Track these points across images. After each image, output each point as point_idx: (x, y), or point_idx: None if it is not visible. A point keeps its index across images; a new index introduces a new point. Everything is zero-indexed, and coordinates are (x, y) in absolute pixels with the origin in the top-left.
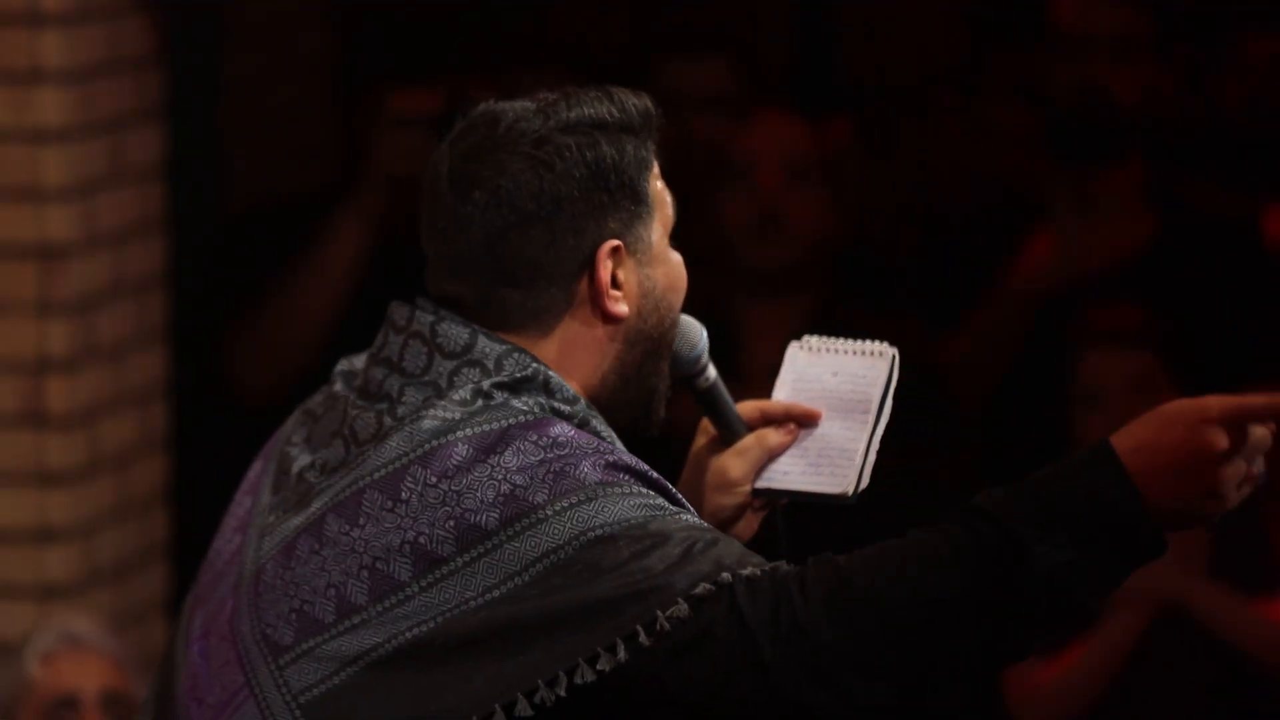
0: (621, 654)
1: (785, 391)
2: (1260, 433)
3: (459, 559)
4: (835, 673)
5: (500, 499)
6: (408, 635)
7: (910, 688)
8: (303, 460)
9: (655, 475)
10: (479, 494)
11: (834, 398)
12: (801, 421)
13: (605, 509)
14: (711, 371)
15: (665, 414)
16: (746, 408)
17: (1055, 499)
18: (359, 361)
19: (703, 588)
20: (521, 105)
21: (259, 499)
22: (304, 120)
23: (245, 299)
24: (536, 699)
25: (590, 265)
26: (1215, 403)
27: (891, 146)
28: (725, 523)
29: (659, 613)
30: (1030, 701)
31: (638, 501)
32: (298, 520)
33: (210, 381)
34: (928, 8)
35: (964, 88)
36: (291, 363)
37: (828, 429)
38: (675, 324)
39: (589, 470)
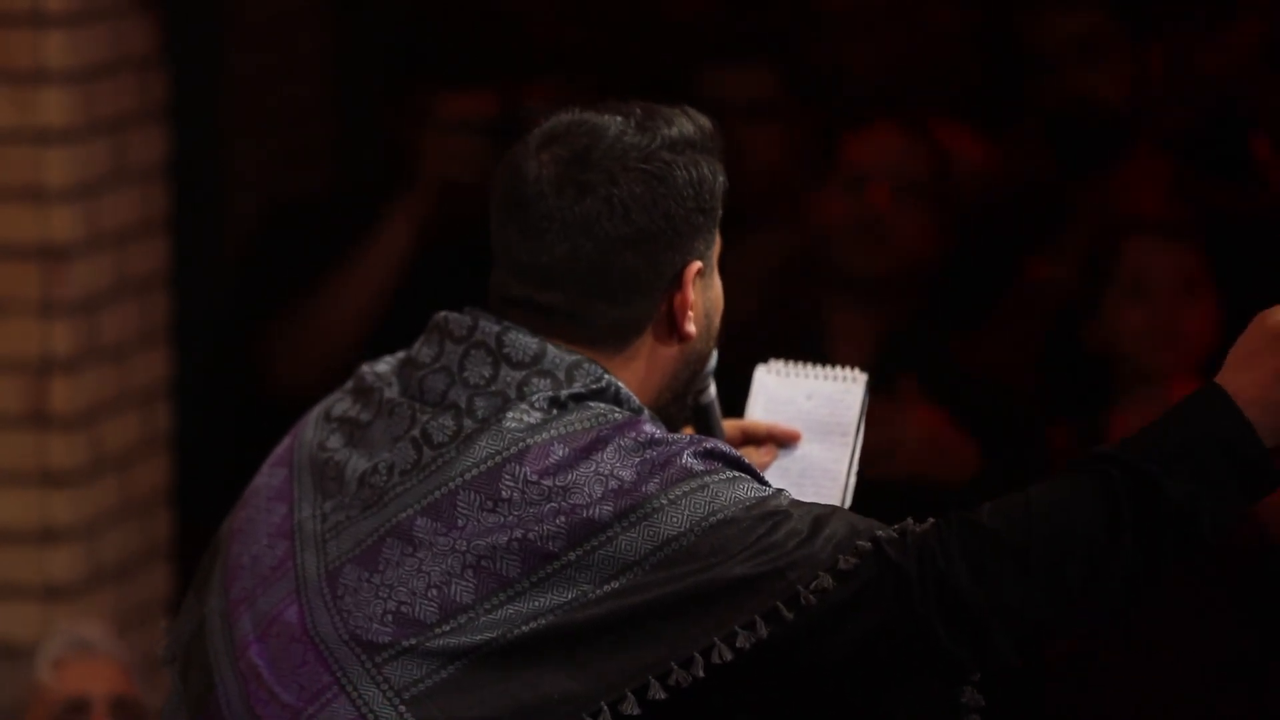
0: (762, 630)
1: (758, 414)
2: None
3: (571, 554)
4: (981, 623)
5: (610, 493)
6: (523, 629)
7: (1049, 629)
8: (359, 464)
9: (747, 461)
10: (587, 490)
11: (811, 420)
12: (781, 442)
13: (719, 494)
14: (712, 389)
15: None
16: (728, 426)
17: (1174, 440)
18: (384, 367)
19: (844, 560)
20: (617, 119)
21: (298, 505)
22: (307, 120)
23: (279, 296)
24: (671, 681)
25: (677, 284)
26: None
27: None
28: None
29: (800, 588)
30: None
31: (746, 484)
32: (373, 523)
33: (234, 378)
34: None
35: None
36: (329, 361)
37: (807, 450)
38: (715, 339)
39: (691, 460)
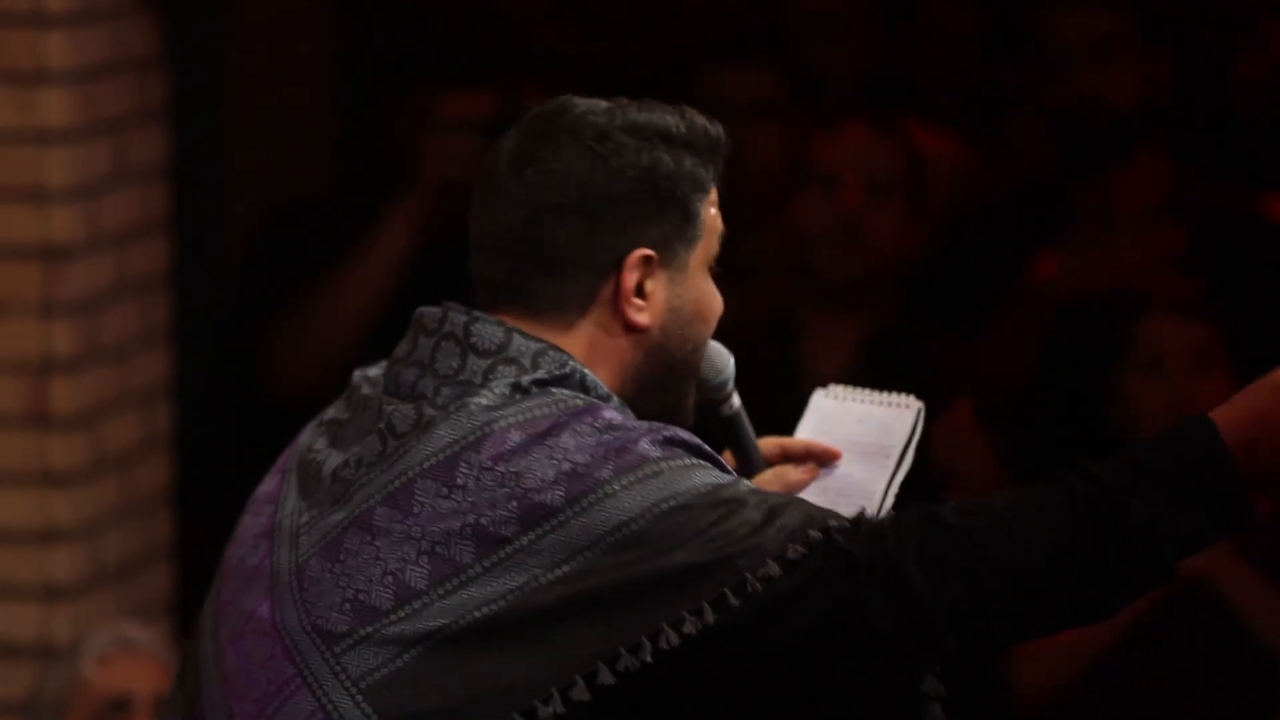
0: (709, 617)
1: (807, 434)
2: None
3: (523, 538)
4: (927, 617)
5: (563, 476)
6: (476, 615)
7: (996, 637)
8: (334, 460)
9: (708, 449)
10: (540, 474)
11: (856, 442)
12: (822, 460)
13: (674, 481)
14: (736, 401)
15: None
16: (768, 444)
17: (1148, 462)
18: (375, 371)
19: (793, 549)
20: (594, 101)
21: (281, 507)
22: (307, 120)
23: (279, 296)
24: (620, 666)
25: (620, 268)
26: None
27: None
28: None
29: (748, 575)
30: (1035, 657)
31: (704, 472)
32: (339, 516)
33: (234, 378)
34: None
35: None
36: (329, 362)
37: (848, 470)
38: (700, 351)
39: (648, 446)
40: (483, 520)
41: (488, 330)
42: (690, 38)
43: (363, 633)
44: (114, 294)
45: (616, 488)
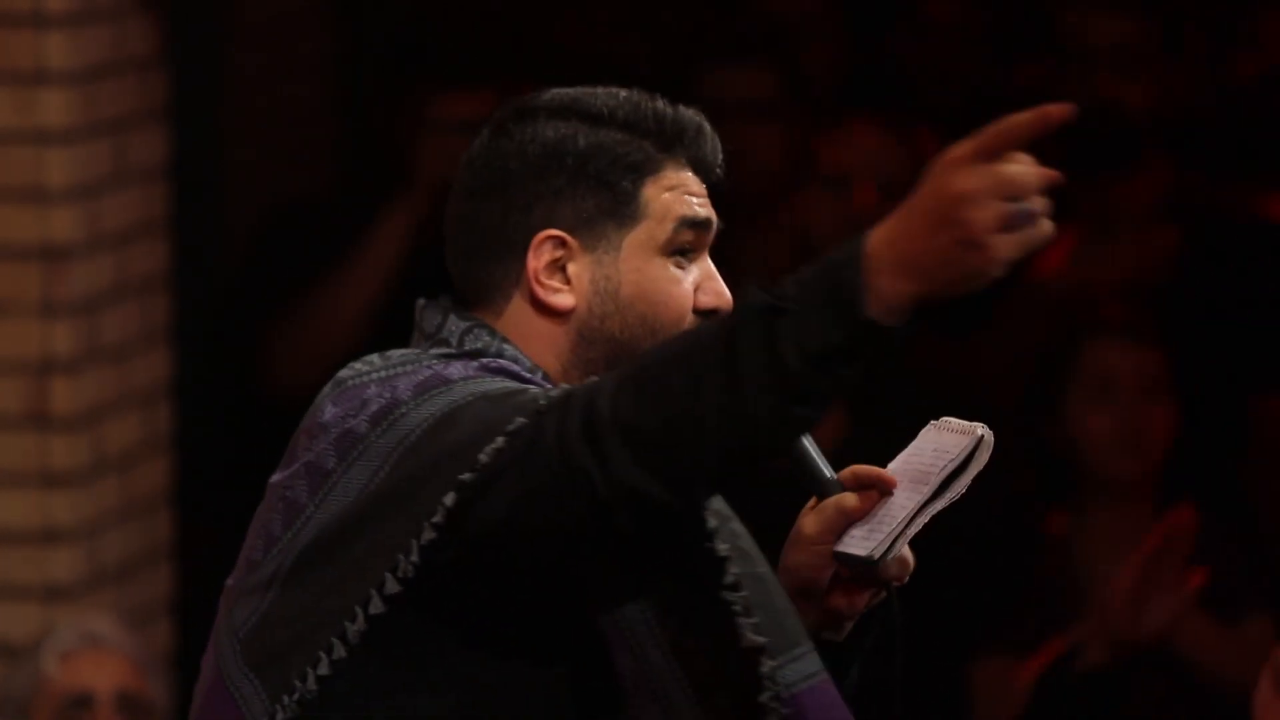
0: (450, 500)
1: (895, 463)
2: (1014, 167)
3: (340, 467)
4: (597, 431)
5: (377, 406)
6: (300, 549)
7: (669, 447)
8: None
9: (532, 379)
10: (360, 409)
11: (915, 470)
12: (881, 488)
13: (458, 390)
14: None
15: None
16: (845, 471)
17: (804, 270)
18: (360, 365)
19: (517, 421)
20: (560, 89)
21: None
22: (307, 120)
23: (279, 296)
24: (400, 573)
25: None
26: (961, 144)
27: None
28: (805, 585)
29: (481, 455)
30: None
31: (494, 381)
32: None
33: (234, 378)
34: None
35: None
36: (329, 361)
37: (896, 496)
38: (655, 333)
39: (458, 370)
40: (312, 458)
41: (430, 314)
42: (690, 38)
43: (244, 586)
44: (114, 294)
45: (410, 406)
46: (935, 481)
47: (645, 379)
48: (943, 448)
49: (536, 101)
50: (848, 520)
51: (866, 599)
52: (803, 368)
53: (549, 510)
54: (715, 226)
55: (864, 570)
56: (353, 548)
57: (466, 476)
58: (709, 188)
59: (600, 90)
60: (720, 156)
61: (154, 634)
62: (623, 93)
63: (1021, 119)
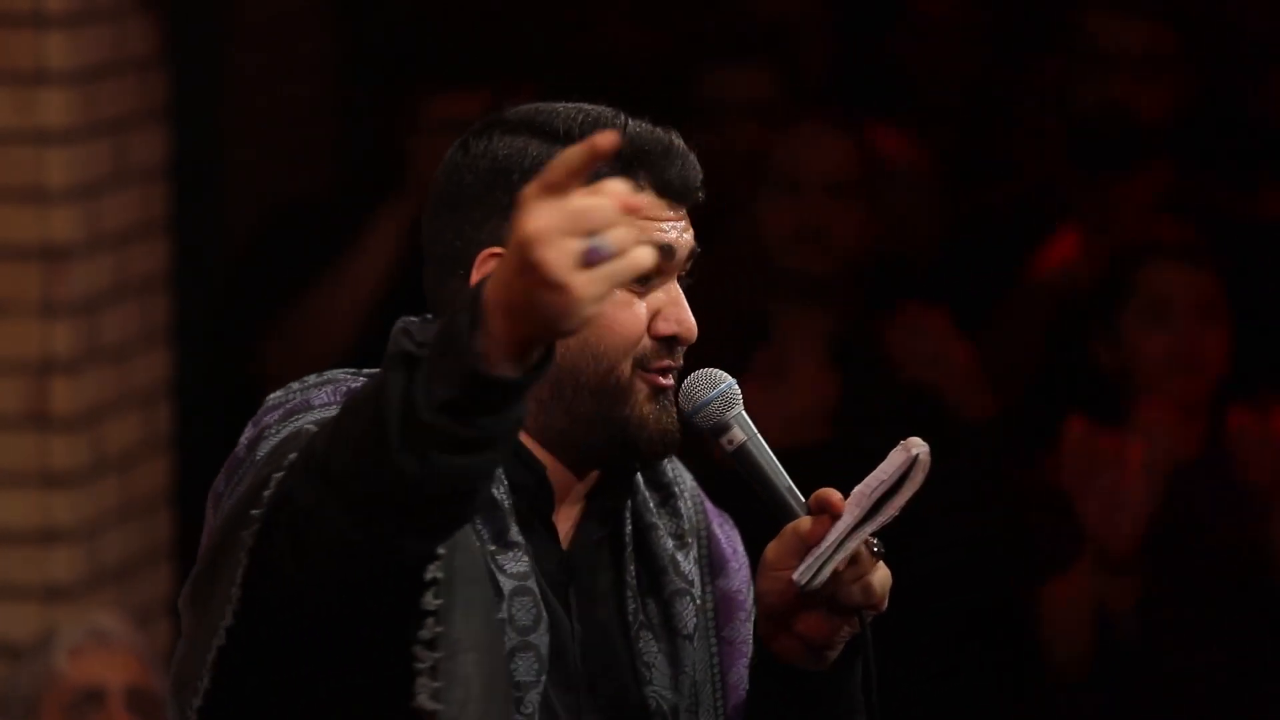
0: (250, 541)
1: (859, 485)
2: (584, 201)
3: (227, 491)
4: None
5: (252, 432)
6: (193, 572)
7: (364, 507)
8: None
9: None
10: (247, 434)
11: (859, 491)
12: (830, 512)
13: (301, 421)
14: (738, 434)
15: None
16: (812, 496)
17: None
18: (341, 374)
19: (289, 459)
20: (538, 103)
21: None
22: (307, 120)
23: (278, 296)
24: (224, 625)
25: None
26: (532, 183)
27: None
28: (770, 610)
29: (263, 494)
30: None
31: (327, 414)
32: None
33: (234, 378)
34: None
35: (993, 94)
36: (327, 361)
37: (843, 519)
38: (598, 360)
39: (323, 396)
40: (217, 483)
41: (395, 330)
42: (690, 38)
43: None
44: (114, 294)
45: (274, 431)
46: (866, 504)
47: (337, 433)
48: (882, 468)
49: (499, 116)
50: (805, 544)
51: (839, 627)
52: (435, 419)
53: (315, 559)
54: (688, 251)
55: (805, 596)
56: (212, 576)
57: (256, 513)
58: (688, 209)
59: (566, 106)
60: (699, 178)
61: (154, 634)
62: (591, 110)
63: (573, 152)
